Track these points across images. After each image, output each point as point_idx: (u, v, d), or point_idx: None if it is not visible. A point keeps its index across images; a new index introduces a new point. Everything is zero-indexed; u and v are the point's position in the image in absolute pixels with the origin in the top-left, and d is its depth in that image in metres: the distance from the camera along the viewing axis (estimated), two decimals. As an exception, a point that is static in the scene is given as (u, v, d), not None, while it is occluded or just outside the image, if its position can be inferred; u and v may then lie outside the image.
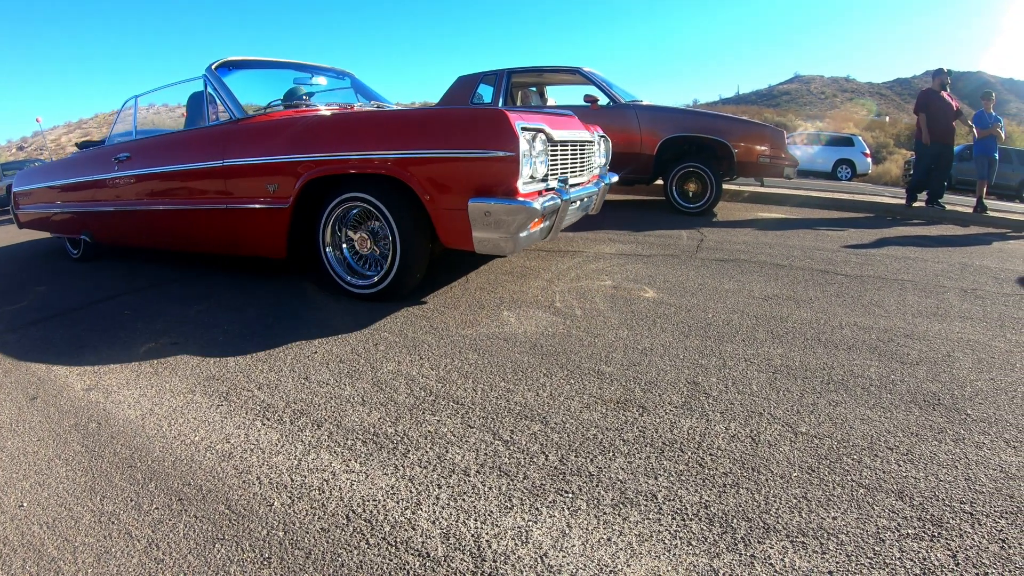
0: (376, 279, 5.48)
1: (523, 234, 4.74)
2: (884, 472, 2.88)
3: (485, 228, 4.74)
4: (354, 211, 5.56)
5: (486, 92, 11.90)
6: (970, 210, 12.52)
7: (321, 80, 7.74)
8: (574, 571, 2.26)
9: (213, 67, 6.73)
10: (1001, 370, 4.04)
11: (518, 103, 12.51)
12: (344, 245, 5.77)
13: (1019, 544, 2.44)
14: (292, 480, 2.85)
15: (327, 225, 5.67)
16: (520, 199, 4.62)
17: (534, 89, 13.17)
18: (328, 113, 6.19)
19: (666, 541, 2.43)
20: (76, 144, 9.66)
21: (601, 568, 2.28)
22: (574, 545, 2.40)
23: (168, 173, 6.91)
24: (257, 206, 5.96)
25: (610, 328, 4.73)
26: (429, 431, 3.26)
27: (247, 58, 7.26)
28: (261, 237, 6.11)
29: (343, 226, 5.70)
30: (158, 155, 7.10)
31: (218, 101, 6.57)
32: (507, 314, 5.11)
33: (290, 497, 2.72)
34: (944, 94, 12.43)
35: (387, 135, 5.13)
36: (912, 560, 2.34)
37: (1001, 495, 2.74)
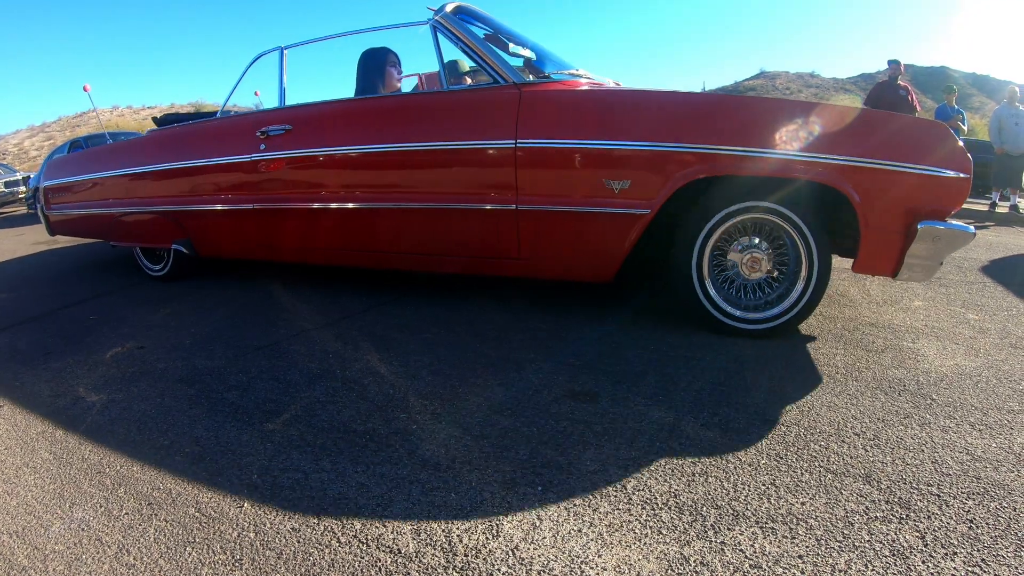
0: (779, 311, 4.33)
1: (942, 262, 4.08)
2: (851, 457, 2.91)
3: (922, 254, 3.98)
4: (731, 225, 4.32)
5: None
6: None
7: (524, 51, 5.45)
8: (545, 563, 2.27)
9: (449, 9, 5.07)
10: (965, 356, 4.08)
11: None
12: (713, 267, 4.43)
13: (986, 524, 2.47)
14: (263, 481, 2.84)
15: (707, 242, 4.32)
16: (960, 224, 3.93)
17: None
18: (658, 90, 4.63)
19: (636, 531, 2.44)
20: (155, 119, 7.58)
21: (572, 559, 2.29)
22: (545, 537, 2.41)
23: (393, 155, 5.02)
24: (589, 209, 4.37)
25: None
26: (399, 428, 3.26)
27: (477, 9, 5.48)
28: (582, 253, 4.58)
29: (722, 244, 4.39)
30: (361, 130, 5.24)
31: (473, 58, 4.88)
32: (921, 345, 4.36)
33: (261, 497, 2.72)
34: (902, 84, 12.50)
35: (812, 133, 3.99)
36: (881, 542, 2.36)
37: (968, 477, 2.77)
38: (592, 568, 2.25)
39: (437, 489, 2.72)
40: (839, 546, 2.35)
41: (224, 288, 6.48)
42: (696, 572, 2.22)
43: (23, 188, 23.53)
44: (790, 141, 3.95)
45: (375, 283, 6.20)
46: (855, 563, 2.26)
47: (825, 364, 3.94)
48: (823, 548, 2.34)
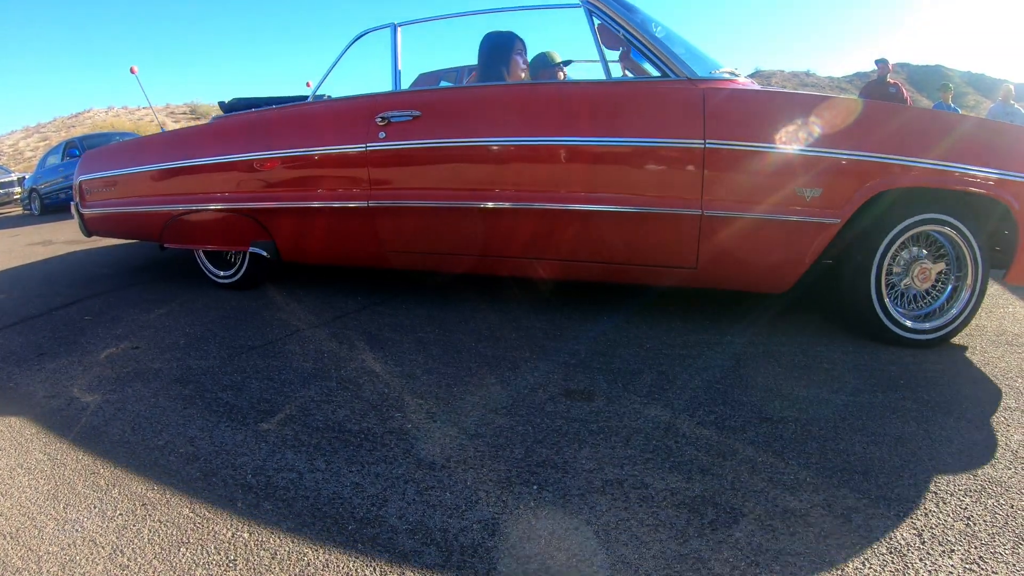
0: (945, 321, 4.22)
1: None
2: (849, 454, 2.91)
3: None
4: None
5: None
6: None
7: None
8: (543, 562, 2.27)
9: None
10: (962, 352, 4.08)
11: None
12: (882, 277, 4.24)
13: (983, 521, 2.47)
14: (257, 481, 2.83)
15: (886, 253, 4.18)
16: None
17: None
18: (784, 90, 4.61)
19: (633, 529, 2.43)
20: (221, 104, 6.62)
21: (570, 557, 2.29)
22: (541, 536, 2.41)
23: (550, 150, 4.49)
24: (779, 216, 4.11)
25: None
26: (394, 427, 3.25)
27: None
28: (764, 263, 4.33)
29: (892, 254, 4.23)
30: (510, 121, 4.65)
31: (638, 47, 4.44)
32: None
33: (256, 497, 2.71)
34: (891, 82, 12.57)
35: (981, 147, 3.97)
36: (879, 539, 2.37)
37: (965, 473, 2.78)
38: (589, 567, 2.24)
39: (433, 488, 2.71)
40: (837, 543, 2.35)
41: (217, 288, 6.47)
42: (694, 570, 2.22)
43: (18, 189, 23.45)
44: (967, 155, 3.90)
45: (368, 283, 6.21)
46: (853, 560, 2.27)
47: (823, 362, 3.94)
48: (821, 545, 2.34)
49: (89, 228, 7.20)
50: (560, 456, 2.93)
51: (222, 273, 6.49)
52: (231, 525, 2.54)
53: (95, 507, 2.73)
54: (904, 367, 3.85)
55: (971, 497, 2.62)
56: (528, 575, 2.21)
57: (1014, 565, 2.25)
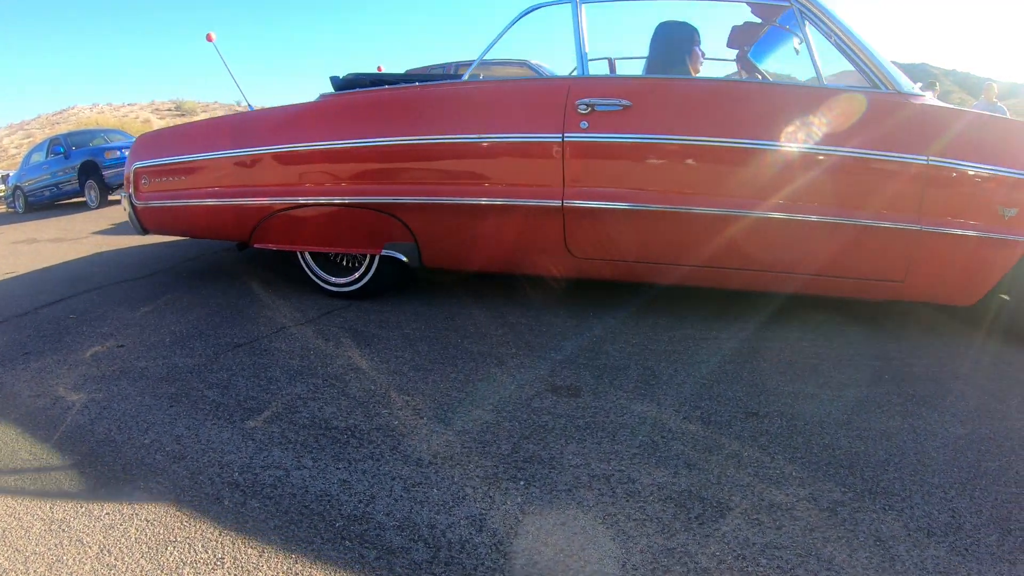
0: None
1: None
2: (835, 448, 2.94)
3: None
4: None
5: None
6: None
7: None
8: (530, 557, 2.28)
9: None
10: (947, 348, 4.11)
11: None
12: None
13: (968, 513, 2.49)
14: (244, 479, 2.83)
15: None
16: None
17: None
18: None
19: (620, 524, 2.44)
20: (334, 80, 5.56)
21: (557, 552, 2.30)
22: (528, 531, 2.42)
23: (779, 156, 4.14)
24: (982, 234, 4.05)
25: None
26: (381, 424, 3.25)
27: None
28: (961, 277, 4.24)
29: None
30: (741, 120, 4.26)
31: (849, 55, 4.26)
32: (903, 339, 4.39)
33: (243, 496, 2.71)
34: None
35: None
36: (865, 532, 2.38)
37: (950, 466, 2.80)
38: (577, 561, 2.25)
39: (420, 485, 2.72)
40: (823, 536, 2.37)
41: (202, 285, 6.39)
42: (681, 564, 2.23)
43: (2, 187, 23.40)
44: None
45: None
46: (840, 553, 2.28)
47: (808, 357, 3.96)
48: (808, 538, 2.35)
49: (145, 224, 6.19)
50: (547, 452, 2.95)
51: (337, 280, 5.61)
52: (218, 524, 2.54)
53: (82, 507, 2.73)
54: (889, 363, 3.88)
55: (956, 490, 2.64)
56: (515, 570, 2.22)
57: (999, 557, 2.27)
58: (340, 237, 5.29)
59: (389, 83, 5.28)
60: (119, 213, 13.64)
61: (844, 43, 4.23)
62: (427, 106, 4.92)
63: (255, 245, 5.66)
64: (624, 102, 4.29)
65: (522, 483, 2.71)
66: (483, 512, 2.54)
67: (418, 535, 2.41)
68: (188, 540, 2.46)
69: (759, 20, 5.52)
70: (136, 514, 2.64)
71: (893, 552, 2.29)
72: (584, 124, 4.32)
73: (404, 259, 5.05)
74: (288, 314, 5.15)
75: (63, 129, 43.00)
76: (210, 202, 5.68)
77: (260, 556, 2.34)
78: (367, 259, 5.42)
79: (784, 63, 5.64)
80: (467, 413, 3.35)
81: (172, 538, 2.48)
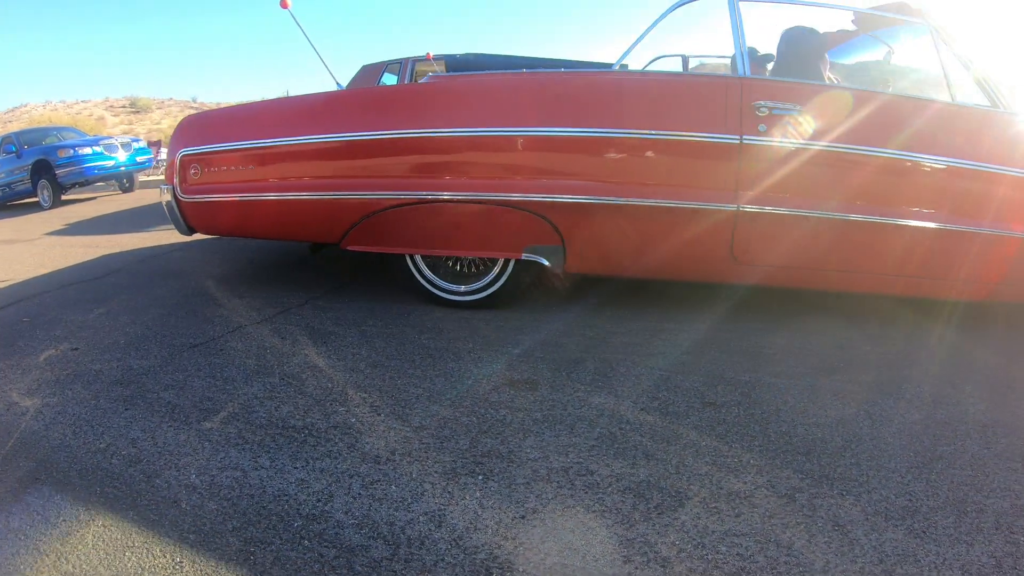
0: None
1: None
2: (792, 436, 2.97)
3: None
4: None
5: (391, 80, 11.63)
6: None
7: None
8: (490, 551, 2.28)
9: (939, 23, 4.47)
10: (903, 337, 4.17)
11: None
12: None
13: (925, 496, 2.53)
14: (201, 481, 2.81)
15: None
16: None
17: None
18: None
19: (580, 516, 2.45)
20: (448, 58, 5.01)
21: (517, 546, 2.31)
22: (488, 526, 2.42)
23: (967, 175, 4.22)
24: None
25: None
26: (338, 422, 3.24)
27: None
28: None
29: None
30: (891, 129, 4.23)
31: (979, 77, 4.33)
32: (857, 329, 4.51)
33: (200, 498, 2.69)
34: (828, 77, 12.92)
35: None
36: (824, 517, 2.41)
37: (906, 451, 2.84)
38: (537, 554, 2.26)
39: (378, 482, 2.71)
40: (782, 523, 2.39)
41: (157, 286, 6.29)
42: (641, 554, 2.24)
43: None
44: None
45: (310, 277, 6.15)
46: (799, 538, 2.31)
47: (766, 348, 3.99)
48: (767, 525, 2.38)
49: (192, 222, 5.43)
50: (505, 446, 2.96)
51: (458, 288, 5.06)
52: (176, 527, 2.52)
53: (38, 514, 2.69)
54: (844, 352, 3.93)
55: (912, 474, 2.68)
56: (476, 565, 2.22)
57: (956, 538, 2.31)
58: (469, 239, 4.79)
59: (516, 66, 4.98)
60: (73, 213, 13.53)
61: (968, 64, 4.32)
62: (586, 96, 4.51)
63: (348, 247, 4.99)
64: (797, 107, 4.22)
65: (480, 478, 2.72)
66: (442, 508, 2.54)
67: (377, 532, 2.41)
68: (146, 545, 2.44)
69: (854, 28, 5.43)
70: (93, 520, 2.61)
71: (851, 536, 2.32)
72: (762, 127, 4.21)
73: (547, 263, 4.67)
74: (244, 313, 5.13)
75: (15, 127, 42.46)
76: (289, 196, 4.96)
77: (219, 559, 2.32)
78: (499, 264, 4.91)
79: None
80: (424, 409, 3.35)
81: (130, 543, 2.45)
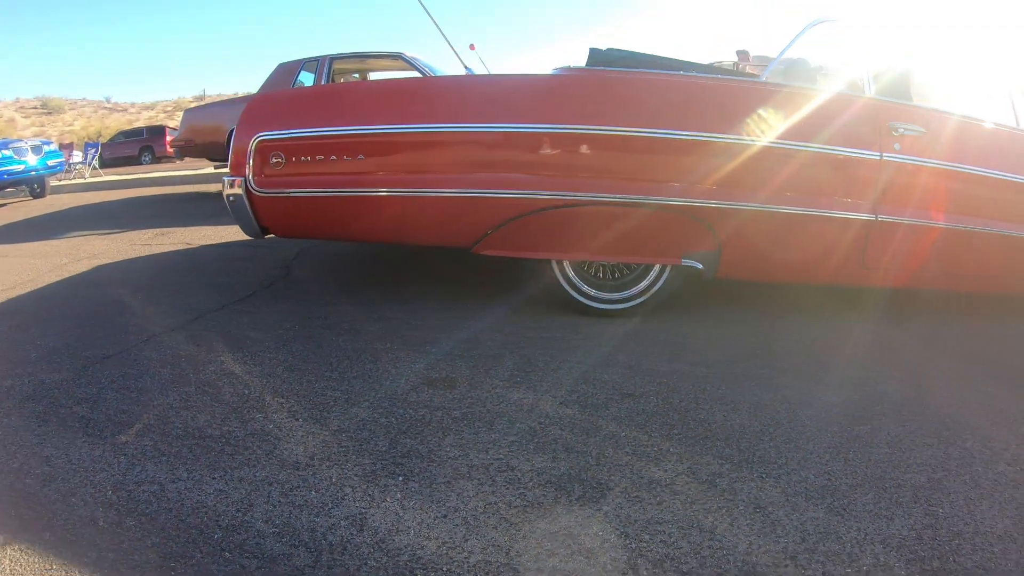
0: None
1: None
2: (711, 423, 3.02)
3: None
4: None
5: (307, 79, 11.79)
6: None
7: None
8: (413, 552, 2.28)
9: None
10: (821, 326, 4.27)
11: None
12: None
13: (843, 475, 2.59)
14: (118, 497, 2.76)
15: None
16: None
17: (356, 76, 13.27)
18: None
19: (502, 512, 2.46)
20: (593, 51, 4.74)
21: (440, 545, 2.31)
22: (410, 527, 2.41)
23: None
24: None
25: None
26: (256, 429, 3.20)
27: None
28: None
29: None
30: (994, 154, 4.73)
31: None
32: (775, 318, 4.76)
33: (118, 514, 2.64)
34: (751, 72, 13.51)
35: None
36: (745, 500, 2.46)
37: (824, 432, 2.90)
38: (460, 552, 2.26)
39: (298, 488, 2.69)
40: (704, 508, 2.44)
41: (70, 295, 6.13)
42: (565, 547, 2.26)
43: None
44: None
45: (225, 283, 6.03)
46: (721, 522, 2.35)
47: (686, 338, 4.05)
48: (689, 511, 2.43)
49: (266, 221, 4.85)
50: (424, 445, 2.95)
51: (609, 297, 4.75)
52: (95, 546, 2.47)
53: (-51, 542, 2.64)
54: (760, 339, 4.01)
55: (831, 454, 2.75)
56: (399, 567, 2.22)
57: (876, 514, 2.38)
58: (627, 244, 4.59)
59: (666, 68, 4.67)
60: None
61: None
62: (751, 106, 4.44)
63: (483, 252, 4.61)
64: (921, 128, 4.45)
65: (401, 478, 2.71)
66: (363, 511, 2.53)
67: (299, 540, 2.39)
68: (65, 568, 2.39)
69: None
70: (9, 544, 2.55)
71: (773, 517, 2.36)
72: (897, 146, 4.42)
73: (700, 268, 4.58)
74: (158, 320, 5.02)
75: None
76: (413, 193, 4.53)
77: (140, 576, 2.30)
78: (654, 270, 4.70)
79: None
80: (343, 412, 3.33)
81: (48, 567, 2.40)
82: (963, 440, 2.99)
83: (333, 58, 11.52)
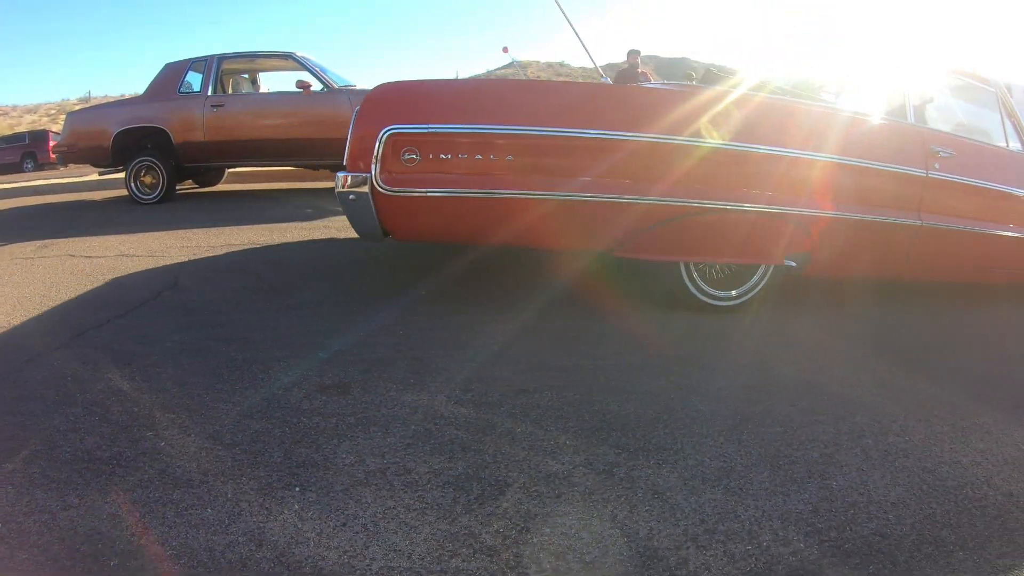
0: None
1: None
2: (606, 413, 3.07)
3: None
4: None
5: (195, 80, 11.57)
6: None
7: None
8: (315, 564, 2.25)
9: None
10: (704, 313, 4.42)
11: (229, 91, 12.38)
12: None
13: (738, 456, 2.65)
14: (7, 529, 2.67)
15: None
16: None
17: (246, 76, 13.20)
18: None
19: (401, 516, 2.45)
20: (694, 74, 4.66)
21: (342, 554, 2.28)
22: (310, 538, 2.38)
23: None
24: None
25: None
26: (147, 448, 3.13)
27: None
28: None
29: None
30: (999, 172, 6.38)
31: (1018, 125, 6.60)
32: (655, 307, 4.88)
33: (8, 548, 2.55)
34: (641, 71, 13.94)
35: None
36: (644, 487, 2.50)
37: (717, 416, 2.96)
38: (361, 560, 2.24)
39: (192, 507, 2.63)
40: (603, 498, 2.47)
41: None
42: (467, 547, 2.26)
43: None
44: None
45: (111, 296, 5.83)
46: (621, 510, 2.38)
47: (580, 333, 4.08)
48: (589, 502, 2.45)
49: (391, 223, 4.59)
50: (320, 454, 2.92)
51: (726, 294, 5.03)
52: (-17, 583, 2.41)
53: None
54: (650, 330, 4.08)
55: (724, 436, 2.81)
56: (300, 580, 2.19)
57: (772, 491, 2.44)
58: (741, 246, 4.93)
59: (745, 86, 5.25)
60: None
61: (1011, 119, 6.41)
62: (832, 127, 5.16)
63: (622, 255, 4.68)
64: (952, 151, 5.67)
65: (298, 489, 2.67)
66: (261, 525, 2.49)
67: (196, 560, 2.33)
68: (-46, 609, 2.33)
69: None
70: None
71: (672, 502, 2.41)
72: (937, 165, 5.56)
73: (794, 265, 5.11)
74: (39, 339, 4.84)
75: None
76: (565, 196, 4.46)
77: (33, 611, 2.24)
78: (760, 269, 5.10)
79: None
80: (236, 424, 3.27)
81: (-68, 613, 2.34)
82: (853, 416, 3.10)
83: (221, 58, 11.40)
